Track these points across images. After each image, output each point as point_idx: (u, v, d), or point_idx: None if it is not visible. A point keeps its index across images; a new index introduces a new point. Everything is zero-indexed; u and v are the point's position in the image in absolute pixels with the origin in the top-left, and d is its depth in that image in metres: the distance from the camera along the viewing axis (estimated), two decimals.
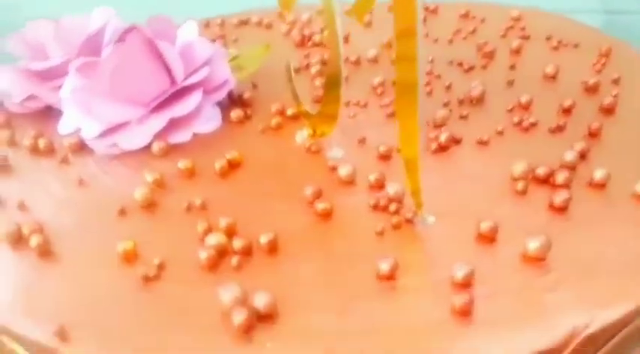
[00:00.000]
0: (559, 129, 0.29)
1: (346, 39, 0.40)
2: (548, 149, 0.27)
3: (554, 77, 0.34)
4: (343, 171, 0.26)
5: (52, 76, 0.35)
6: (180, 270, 0.22)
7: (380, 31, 0.42)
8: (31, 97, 0.35)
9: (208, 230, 0.23)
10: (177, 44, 0.32)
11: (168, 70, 0.32)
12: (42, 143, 0.31)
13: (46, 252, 0.23)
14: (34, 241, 0.23)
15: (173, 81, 0.32)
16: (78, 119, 0.31)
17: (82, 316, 0.21)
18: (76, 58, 0.34)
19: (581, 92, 0.33)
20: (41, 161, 0.30)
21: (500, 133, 0.29)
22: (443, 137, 0.28)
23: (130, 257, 0.23)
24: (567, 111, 0.30)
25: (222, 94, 0.32)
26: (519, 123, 0.29)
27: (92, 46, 0.35)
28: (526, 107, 0.31)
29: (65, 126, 0.32)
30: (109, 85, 0.30)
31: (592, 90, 0.32)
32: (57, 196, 0.27)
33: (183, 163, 0.27)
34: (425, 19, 0.43)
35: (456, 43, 0.39)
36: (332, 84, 0.26)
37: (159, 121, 0.30)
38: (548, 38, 0.39)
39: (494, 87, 0.33)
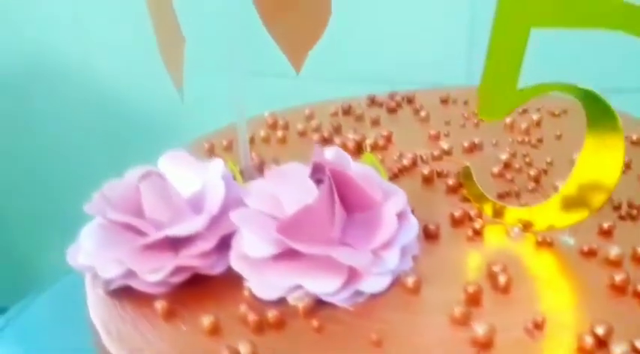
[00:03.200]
0: None
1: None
2: None
3: None
4: (613, 251, 0.28)
5: (188, 241, 0.29)
6: None
7: None
8: (175, 271, 0.29)
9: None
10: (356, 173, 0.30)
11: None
12: (271, 315, 0.26)
13: None
14: None
15: (351, 210, 0.30)
16: (295, 278, 0.27)
17: None
18: (218, 215, 0.30)
19: None
20: (287, 333, 0.25)
21: None
22: None
23: None
24: None
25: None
26: None
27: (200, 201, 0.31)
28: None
29: (270, 290, 0.27)
30: (334, 233, 0.27)
31: None
32: None
33: (471, 287, 0.26)
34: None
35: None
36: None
37: (392, 254, 0.28)
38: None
39: None
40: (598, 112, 0.29)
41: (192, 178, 0.32)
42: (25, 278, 0.92)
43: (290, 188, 0.29)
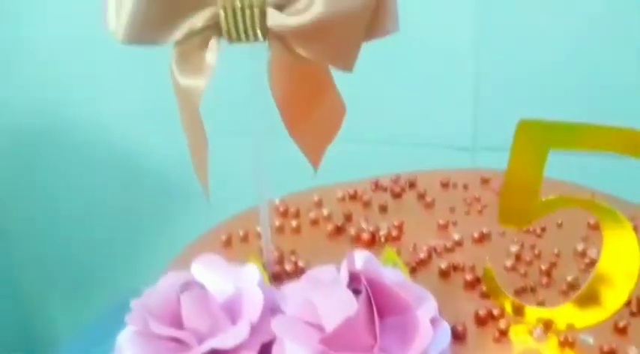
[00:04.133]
0: None
1: None
2: None
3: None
4: (632, 352, 0.30)
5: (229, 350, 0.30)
6: None
7: None
8: None
9: None
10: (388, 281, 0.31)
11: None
12: None
13: None
14: None
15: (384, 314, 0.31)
16: None
17: None
18: (257, 324, 0.31)
19: None
20: None
21: None
22: None
23: None
24: None
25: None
26: None
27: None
28: None
29: None
30: (374, 342, 0.28)
31: None
32: None
33: None
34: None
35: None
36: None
37: None
38: None
39: None
40: (612, 223, 0.31)
41: (224, 283, 0.33)
42: (35, 331, 0.93)
43: (326, 296, 0.31)
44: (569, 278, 0.36)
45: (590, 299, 0.32)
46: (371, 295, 0.30)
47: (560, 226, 0.43)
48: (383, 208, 0.46)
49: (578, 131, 0.29)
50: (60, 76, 0.80)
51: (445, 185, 0.49)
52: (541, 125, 0.29)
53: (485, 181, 0.50)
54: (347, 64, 0.32)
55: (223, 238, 0.43)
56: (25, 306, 0.92)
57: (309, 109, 0.36)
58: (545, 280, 0.37)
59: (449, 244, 0.41)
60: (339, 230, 0.43)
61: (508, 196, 0.31)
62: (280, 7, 0.30)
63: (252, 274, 0.32)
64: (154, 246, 0.86)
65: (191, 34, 0.31)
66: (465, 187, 0.49)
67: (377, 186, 0.50)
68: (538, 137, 0.29)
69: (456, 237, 0.41)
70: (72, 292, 0.89)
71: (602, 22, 0.63)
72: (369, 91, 0.70)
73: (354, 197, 0.48)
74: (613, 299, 0.32)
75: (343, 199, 0.48)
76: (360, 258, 0.33)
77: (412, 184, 0.50)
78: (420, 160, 0.72)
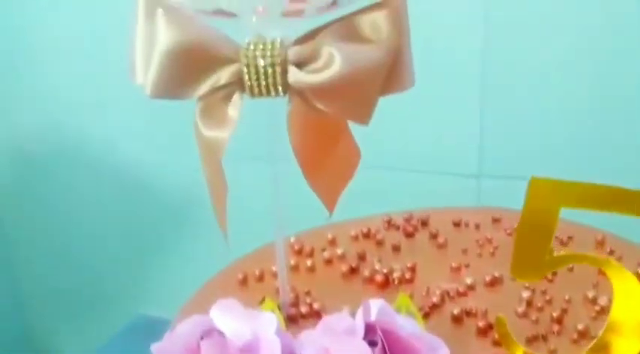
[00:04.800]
0: None
1: None
2: None
3: None
4: None
5: None
6: None
7: None
8: None
9: None
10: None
11: None
12: None
13: None
14: None
15: None
16: None
17: None
18: None
19: None
20: None
21: None
22: None
23: None
24: None
25: None
26: None
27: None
28: None
29: None
30: None
31: None
32: None
33: None
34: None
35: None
36: None
37: None
38: None
39: None
40: (621, 278, 0.32)
41: (242, 328, 0.34)
42: (38, 344, 0.95)
43: (342, 345, 0.31)
44: (580, 327, 0.37)
45: (601, 350, 0.33)
46: (386, 346, 0.31)
47: (571, 270, 0.43)
48: (396, 248, 0.47)
49: (591, 191, 0.29)
50: (71, 100, 0.82)
51: (457, 225, 0.50)
52: (552, 184, 0.30)
53: (496, 221, 0.50)
54: (363, 119, 0.33)
55: (240, 276, 0.44)
56: (30, 318, 0.94)
57: (326, 158, 0.37)
58: (556, 327, 0.37)
59: (461, 289, 0.41)
60: (353, 271, 0.44)
61: (520, 251, 0.32)
62: (301, 65, 0.32)
63: (269, 320, 0.33)
64: (162, 266, 0.87)
65: (215, 90, 0.32)
66: (477, 226, 0.50)
67: (389, 224, 0.51)
68: (549, 196, 0.30)
69: (469, 281, 0.42)
70: (78, 309, 0.90)
71: (613, 45, 0.64)
72: (375, 117, 0.71)
73: (367, 236, 0.49)
74: (624, 351, 0.33)
75: (356, 237, 0.49)
76: (375, 307, 0.33)
77: (424, 223, 0.50)
78: (426, 186, 0.73)
